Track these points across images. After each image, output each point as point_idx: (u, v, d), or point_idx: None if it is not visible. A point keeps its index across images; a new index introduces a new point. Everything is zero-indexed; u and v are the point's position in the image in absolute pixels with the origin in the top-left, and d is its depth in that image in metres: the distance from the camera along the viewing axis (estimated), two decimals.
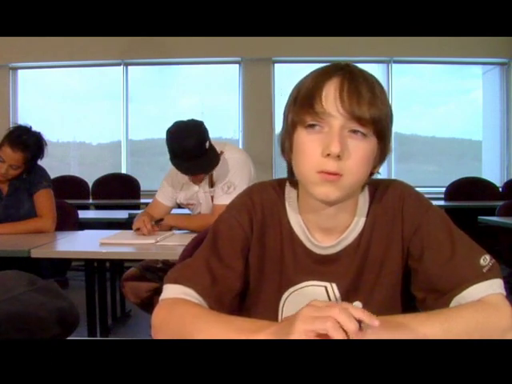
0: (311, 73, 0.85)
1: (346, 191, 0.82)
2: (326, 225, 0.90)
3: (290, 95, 0.86)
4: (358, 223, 0.90)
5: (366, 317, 0.64)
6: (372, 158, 0.83)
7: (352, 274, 0.89)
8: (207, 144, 2.23)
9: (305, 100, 0.81)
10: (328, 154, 0.78)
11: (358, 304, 0.89)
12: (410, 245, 0.88)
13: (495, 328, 0.78)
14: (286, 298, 0.91)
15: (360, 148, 0.80)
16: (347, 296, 0.89)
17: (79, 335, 0.93)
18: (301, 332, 0.64)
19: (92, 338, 2.51)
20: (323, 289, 0.89)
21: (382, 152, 0.85)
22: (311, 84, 0.81)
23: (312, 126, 0.81)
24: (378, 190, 0.91)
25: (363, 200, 0.91)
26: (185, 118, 2.31)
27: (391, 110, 0.85)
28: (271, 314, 0.91)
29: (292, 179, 0.92)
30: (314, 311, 0.65)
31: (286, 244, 0.91)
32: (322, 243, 0.90)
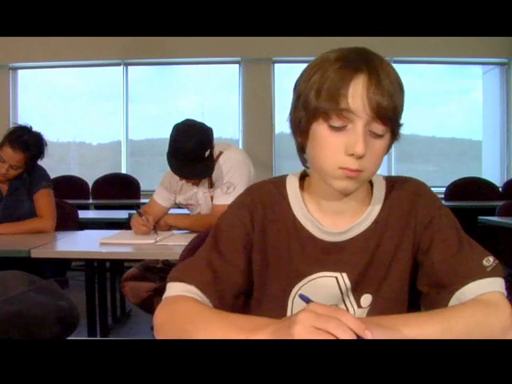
0: (333, 59, 0.81)
1: (363, 184, 0.87)
2: (335, 208, 0.90)
3: (308, 76, 0.83)
4: (372, 212, 0.91)
5: (360, 330, 0.64)
6: (385, 152, 0.86)
7: (363, 263, 0.89)
8: (207, 153, 2.22)
9: (330, 94, 0.79)
10: (352, 154, 0.79)
11: (367, 297, 0.90)
12: (420, 238, 0.89)
13: (495, 327, 0.79)
14: (297, 292, 0.91)
15: (379, 146, 0.83)
16: (357, 287, 0.89)
17: (79, 335, 0.93)
18: (305, 326, 0.64)
19: (92, 338, 2.51)
20: (334, 280, 0.89)
21: (391, 143, 0.87)
22: (337, 77, 0.79)
23: (336, 123, 0.80)
24: (396, 184, 0.93)
25: (379, 191, 0.92)
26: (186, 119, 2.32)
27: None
28: (279, 311, 0.91)
29: (295, 173, 0.94)
30: (313, 319, 0.65)
31: (292, 237, 0.91)
32: (332, 229, 0.90)
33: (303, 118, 0.84)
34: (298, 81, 0.86)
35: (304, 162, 0.92)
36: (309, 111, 0.82)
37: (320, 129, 0.82)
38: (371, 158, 0.81)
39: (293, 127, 0.88)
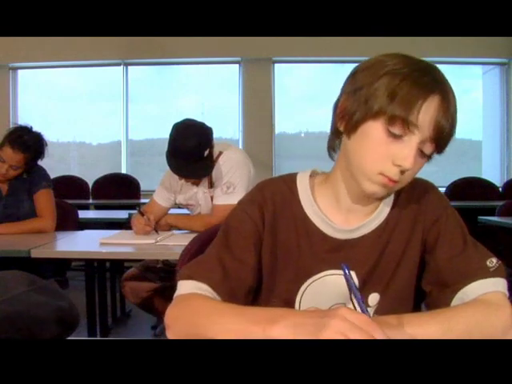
0: (408, 67, 0.80)
1: (391, 193, 0.88)
2: (351, 205, 0.91)
3: (376, 75, 0.81)
4: (382, 211, 0.91)
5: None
6: None
7: (371, 262, 0.90)
8: (206, 152, 2.22)
9: (405, 102, 0.78)
10: (399, 165, 0.80)
11: (375, 296, 0.91)
12: (427, 236, 0.90)
13: (495, 327, 0.79)
14: (305, 290, 0.91)
15: (420, 163, 0.84)
16: (365, 285, 0.90)
17: (79, 335, 0.94)
18: (336, 331, 0.65)
19: (92, 338, 2.51)
20: (343, 278, 0.89)
21: None
22: (415, 89, 0.78)
23: (396, 130, 0.80)
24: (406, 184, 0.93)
25: None
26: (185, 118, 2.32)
27: None
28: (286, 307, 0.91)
29: (305, 171, 0.94)
30: (346, 330, 0.64)
31: (301, 235, 0.91)
32: (343, 227, 0.90)
33: (360, 111, 0.82)
34: (358, 72, 0.84)
35: (332, 148, 0.91)
36: (371, 108, 0.80)
37: (376, 129, 0.81)
38: (411, 173, 0.82)
39: (339, 113, 0.86)
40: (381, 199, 0.91)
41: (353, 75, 0.85)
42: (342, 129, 0.86)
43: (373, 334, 0.64)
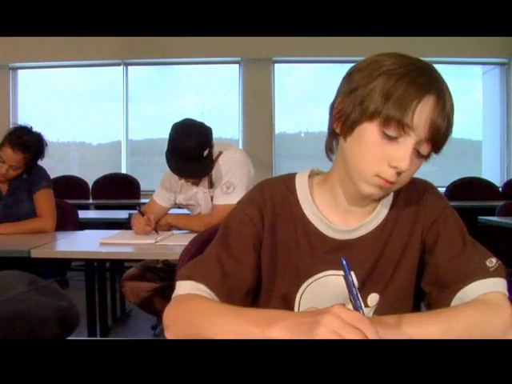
0: (403, 68, 0.79)
1: (388, 194, 0.88)
2: (350, 206, 0.90)
3: (370, 76, 0.80)
4: (381, 212, 0.91)
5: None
6: None
7: (371, 262, 0.90)
8: (205, 152, 2.22)
9: (400, 104, 0.77)
10: (395, 167, 0.79)
11: (374, 296, 0.90)
12: (427, 236, 0.90)
13: (495, 327, 0.79)
14: (304, 290, 0.91)
15: (417, 164, 0.84)
16: (364, 286, 0.90)
17: (79, 335, 0.93)
18: (329, 329, 0.64)
19: (92, 338, 2.51)
20: (342, 278, 0.88)
21: None
22: (410, 90, 0.78)
23: (392, 132, 0.79)
24: (405, 184, 0.92)
25: None
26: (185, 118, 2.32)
27: None
28: (286, 309, 0.90)
29: (304, 171, 0.94)
30: (338, 326, 0.64)
31: (300, 235, 0.91)
32: (342, 227, 0.90)
33: (355, 113, 0.81)
34: (354, 72, 0.83)
35: (329, 149, 0.91)
36: (366, 109, 0.80)
37: (371, 131, 0.80)
38: (407, 174, 0.82)
39: (335, 115, 0.85)
40: (378, 200, 0.91)
41: (349, 75, 0.84)
42: (338, 130, 0.86)
43: (365, 333, 0.64)
